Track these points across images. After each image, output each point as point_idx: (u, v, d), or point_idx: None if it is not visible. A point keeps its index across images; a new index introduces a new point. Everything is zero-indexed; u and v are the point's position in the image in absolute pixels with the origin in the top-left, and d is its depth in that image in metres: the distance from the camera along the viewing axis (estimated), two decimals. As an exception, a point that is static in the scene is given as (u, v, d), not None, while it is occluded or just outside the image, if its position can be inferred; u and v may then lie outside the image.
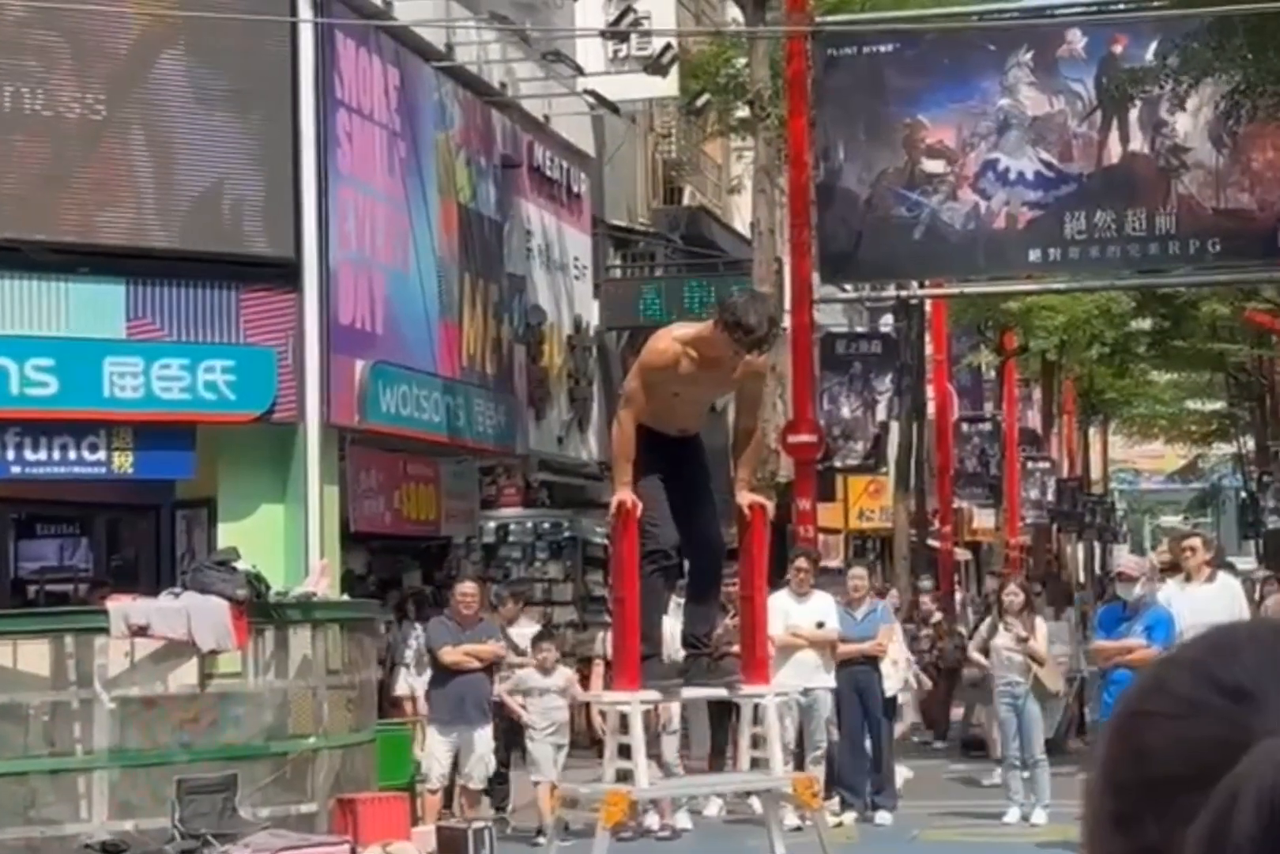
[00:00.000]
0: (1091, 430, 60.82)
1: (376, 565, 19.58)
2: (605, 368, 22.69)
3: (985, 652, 14.27)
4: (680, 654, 11.75)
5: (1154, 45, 19.33)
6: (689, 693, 9.28)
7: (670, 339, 7.95)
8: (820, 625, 13.64)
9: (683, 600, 11.69)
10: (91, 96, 14.47)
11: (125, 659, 10.46)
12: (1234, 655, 0.98)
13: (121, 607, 10.58)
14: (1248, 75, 17.05)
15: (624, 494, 7.89)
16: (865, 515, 33.77)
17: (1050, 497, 45.36)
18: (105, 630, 10.36)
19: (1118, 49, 20.02)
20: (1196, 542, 13.87)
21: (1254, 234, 19.84)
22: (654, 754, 11.30)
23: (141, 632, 10.40)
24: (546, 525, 21.14)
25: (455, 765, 12.87)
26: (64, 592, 16.79)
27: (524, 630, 14.28)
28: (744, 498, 8.32)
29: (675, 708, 13.42)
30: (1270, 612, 16.44)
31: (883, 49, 20.46)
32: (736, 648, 8.72)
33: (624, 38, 20.82)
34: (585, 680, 15.00)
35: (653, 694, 8.28)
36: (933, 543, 32.43)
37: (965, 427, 38.33)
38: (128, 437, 14.41)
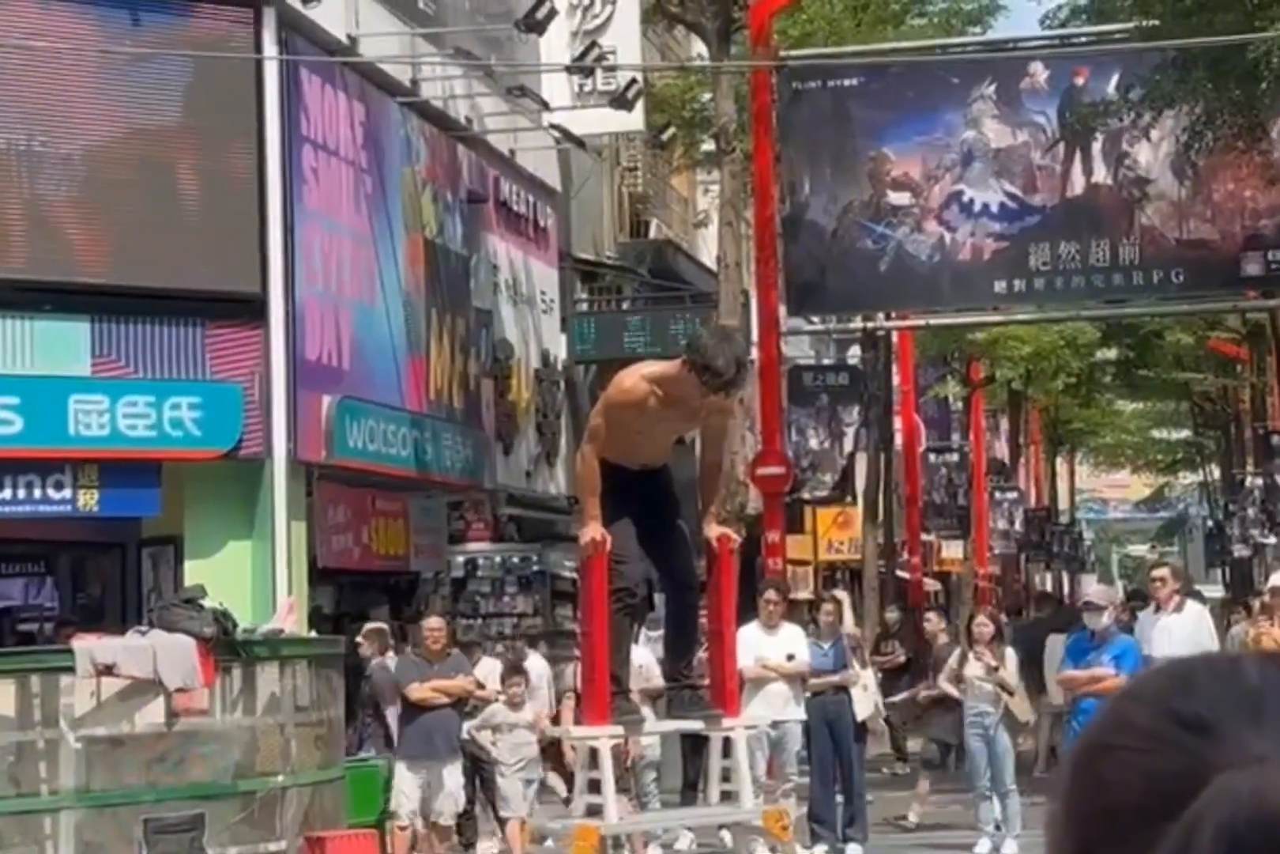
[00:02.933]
0: (1058, 460, 61.01)
1: (345, 601, 19.49)
2: (573, 401, 22.69)
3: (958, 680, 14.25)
4: (649, 683, 11.74)
5: (1116, 77, 19.46)
6: (664, 725, 9.23)
7: (637, 377, 7.90)
8: (790, 658, 13.61)
9: (653, 634, 11.65)
10: (57, 131, 14.44)
11: (91, 698, 10.37)
12: (1193, 688, 0.98)
13: (87, 646, 10.51)
14: (1209, 106, 17.17)
15: (593, 529, 7.86)
16: (834, 547, 33.75)
17: (1018, 526, 45.44)
18: (71, 670, 10.28)
19: (1080, 81, 20.15)
20: (1165, 572, 13.90)
21: (1216, 264, 19.97)
22: (625, 788, 11.24)
23: (108, 671, 10.32)
24: (515, 560, 21.08)
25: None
26: (29, 631, 16.67)
27: (484, 670, 14.17)
28: (712, 531, 8.31)
29: (656, 740, 13.33)
30: (1236, 639, 16.48)
31: (847, 83, 20.56)
32: (706, 681, 8.68)
33: (589, 72, 20.85)
34: (555, 715, 14.93)
35: (621, 729, 8.24)
36: (902, 574, 32.44)
37: (933, 457, 38.38)
38: (93, 474, 14.35)
